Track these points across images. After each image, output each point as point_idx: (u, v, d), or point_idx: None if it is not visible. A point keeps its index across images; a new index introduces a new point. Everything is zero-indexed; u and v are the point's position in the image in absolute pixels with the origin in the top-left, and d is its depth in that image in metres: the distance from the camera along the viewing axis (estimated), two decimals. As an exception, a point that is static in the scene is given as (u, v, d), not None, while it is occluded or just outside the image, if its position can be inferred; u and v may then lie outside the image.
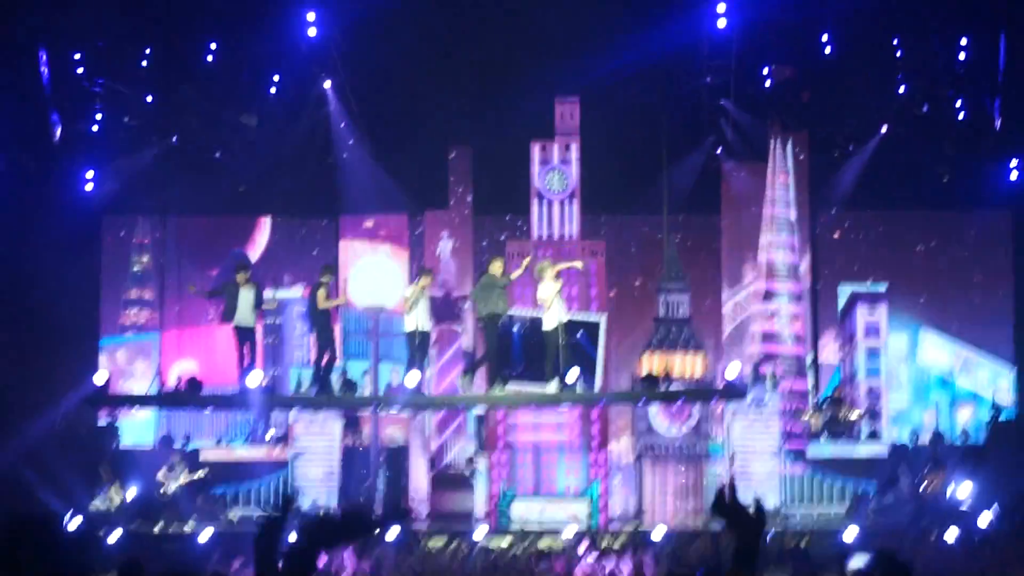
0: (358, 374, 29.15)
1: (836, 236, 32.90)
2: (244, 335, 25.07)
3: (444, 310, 30.73)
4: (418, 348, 24.24)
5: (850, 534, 24.68)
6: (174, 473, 26.37)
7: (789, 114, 31.39)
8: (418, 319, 23.91)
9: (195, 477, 26.42)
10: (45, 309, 27.39)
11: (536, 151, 30.22)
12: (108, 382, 26.45)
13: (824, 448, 28.20)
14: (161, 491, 26.19)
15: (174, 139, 30.52)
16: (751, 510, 5.61)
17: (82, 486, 25.54)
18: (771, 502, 26.56)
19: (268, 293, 28.69)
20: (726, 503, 5.62)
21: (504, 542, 25.51)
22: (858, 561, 23.16)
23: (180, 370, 29.58)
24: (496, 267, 23.56)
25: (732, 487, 5.56)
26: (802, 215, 31.64)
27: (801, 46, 29.85)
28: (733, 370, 26.10)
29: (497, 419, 28.82)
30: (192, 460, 27.22)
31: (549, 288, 24.63)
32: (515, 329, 26.36)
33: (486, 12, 28.58)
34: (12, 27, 26.60)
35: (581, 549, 24.86)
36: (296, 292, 31.69)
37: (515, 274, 23.74)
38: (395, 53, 29.26)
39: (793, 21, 28.84)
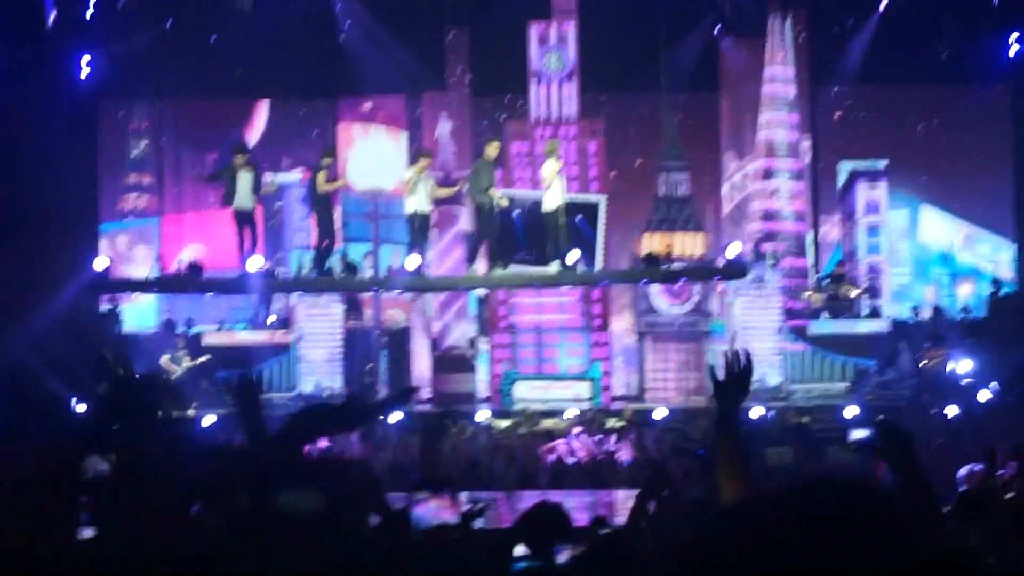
0: (359, 257, 29.16)
1: (836, 114, 32.78)
2: (244, 219, 25.13)
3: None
4: (418, 230, 24.27)
5: (851, 411, 24.83)
6: (176, 358, 26.44)
7: (788, -11, 31.19)
8: (418, 201, 23.93)
9: (197, 362, 26.50)
10: (44, 196, 27.29)
11: (533, 31, 30.00)
12: (109, 267, 26.55)
13: (825, 325, 28.24)
14: (164, 376, 26.27)
15: (169, 23, 30.31)
16: (739, 366, 5.59)
17: (87, 372, 25.59)
18: (772, 380, 26.65)
19: (267, 177, 28.67)
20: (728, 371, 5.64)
21: (507, 423, 25.67)
22: (859, 434, 23.33)
23: (181, 255, 29.58)
24: (490, 151, 23.50)
25: (736, 356, 5.56)
26: (802, 92, 31.47)
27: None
28: (734, 249, 26.20)
29: (499, 300, 28.87)
30: (194, 345, 27.29)
31: (549, 167, 24.64)
32: (515, 211, 26.33)
33: None
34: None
35: (581, 429, 25.08)
36: (295, 176, 31.60)
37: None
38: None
39: None
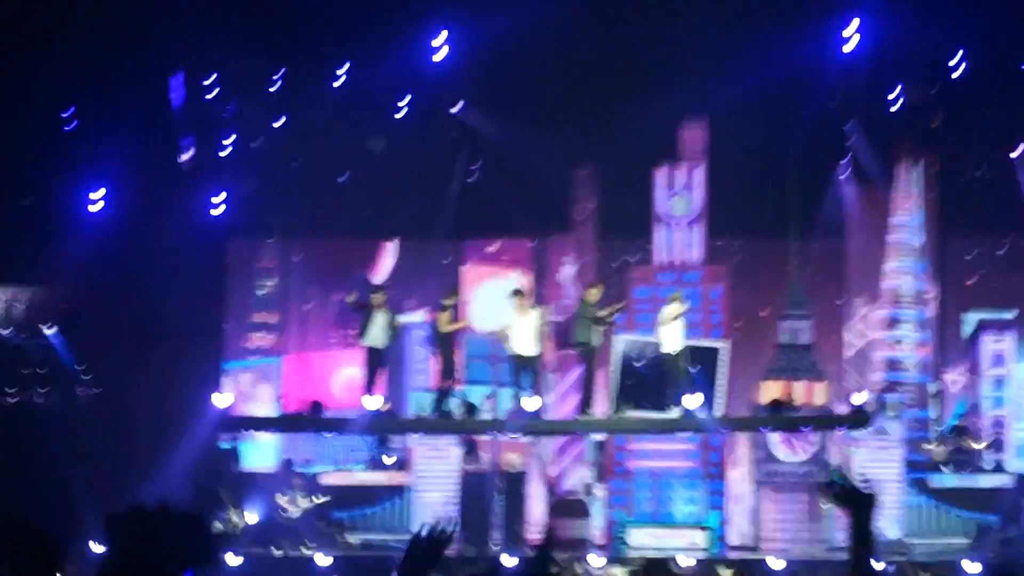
0: (478, 399, 29.25)
1: (963, 262, 32.37)
2: (375, 357, 25.34)
3: (566, 335, 30.70)
4: (522, 371, 23.88)
5: (972, 568, 24.35)
6: (293, 498, 26.65)
7: (917, 137, 31.01)
8: (516, 342, 23.70)
9: (314, 503, 26.68)
10: (172, 332, 27.83)
11: (660, 175, 30.13)
12: (232, 405, 26.92)
13: (947, 479, 27.80)
14: (282, 515, 26.49)
15: (300, 163, 30.87)
16: (862, 490, 6.02)
17: (204, 509, 25.85)
18: (893, 533, 26.26)
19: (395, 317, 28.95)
20: (839, 485, 6.02)
21: (620, 571, 25.48)
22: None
23: (302, 394, 29.81)
24: (592, 295, 23.44)
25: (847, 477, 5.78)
26: (929, 241, 31.21)
27: (930, 68, 29.51)
28: (860, 398, 25.88)
29: (616, 446, 28.78)
30: (312, 484, 27.50)
31: (671, 309, 24.59)
32: (637, 354, 26.34)
33: (611, 35, 28.57)
34: (144, 52, 27.11)
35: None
36: (418, 316, 31.83)
37: (605, 312, 23.51)
38: (520, 76, 29.36)
39: (922, 43, 28.50)
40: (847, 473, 26.10)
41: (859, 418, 26.19)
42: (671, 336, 24.34)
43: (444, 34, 28.37)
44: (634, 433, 27.68)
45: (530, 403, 24.11)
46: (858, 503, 6.39)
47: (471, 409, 27.37)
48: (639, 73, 28.87)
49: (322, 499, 26.81)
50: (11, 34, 26.48)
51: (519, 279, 31.79)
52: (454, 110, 30.92)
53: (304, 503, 26.67)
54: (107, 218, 28.53)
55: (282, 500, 26.65)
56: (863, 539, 6.33)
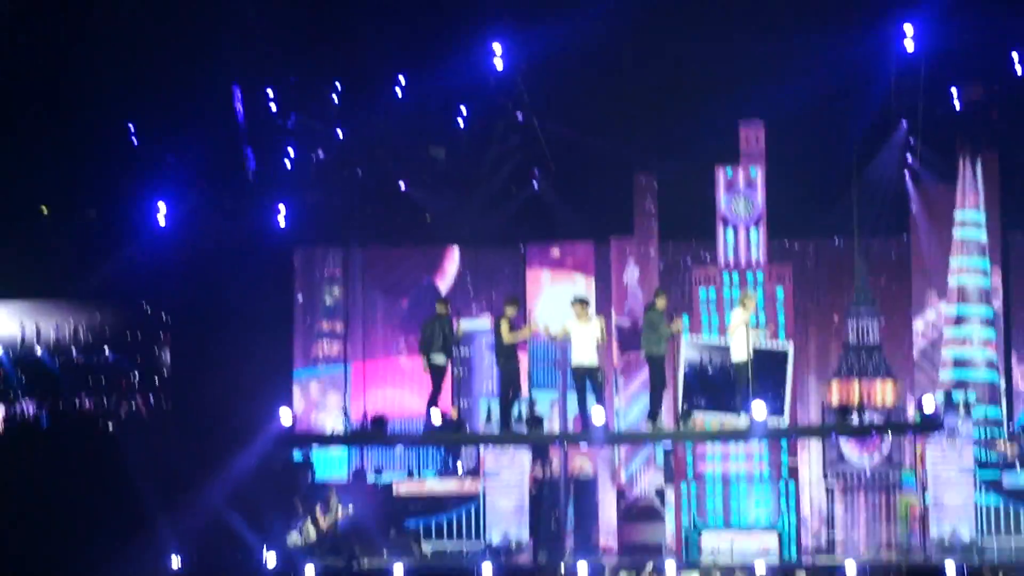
0: (546, 405, 29.33)
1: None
2: (436, 370, 25.35)
3: (632, 338, 30.76)
4: (585, 381, 23.81)
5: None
6: (330, 507, 26.76)
7: (979, 135, 30.94)
8: (576, 352, 23.61)
9: (339, 515, 26.72)
10: (242, 342, 28.06)
11: (721, 176, 30.17)
12: (295, 420, 27.01)
13: (1020, 477, 27.74)
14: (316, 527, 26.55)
15: (363, 172, 31.02)
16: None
17: (279, 520, 26.07)
18: (966, 534, 26.23)
19: (459, 324, 29.01)
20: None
21: (694, 574, 25.51)
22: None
23: (369, 404, 29.90)
24: (660, 303, 23.37)
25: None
26: (993, 237, 31.14)
27: (990, 66, 29.43)
28: (928, 403, 25.72)
29: (685, 450, 28.81)
30: (387, 494, 27.60)
31: (737, 317, 24.55)
32: (705, 359, 26.36)
33: (669, 37, 28.59)
34: (207, 64, 27.30)
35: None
36: (484, 322, 31.88)
37: (674, 326, 23.45)
38: (579, 81, 29.43)
39: (982, 41, 28.42)
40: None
41: (929, 423, 26.08)
42: (738, 343, 24.28)
43: (499, 46, 28.41)
44: (702, 441, 27.68)
45: (595, 414, 23.99)
46: None
47: (536, 420, 27.33)
48: (696, 76, 28.92)
49: (339, 512, 26.78)
50: (79, 46, 26.72)
51: (583, 283, 31.87)
52: (514, 118, 31.00)
53: (334, 514, 26.73)
54: (173, 230, 28.75)
55: (316, 511, 26.69)
56: None
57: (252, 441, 25.90)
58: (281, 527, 26.27)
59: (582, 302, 23.62)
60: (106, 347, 29.57)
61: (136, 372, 29.35)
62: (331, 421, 29.42)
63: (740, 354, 24.40)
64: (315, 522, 26.51)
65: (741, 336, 24.13)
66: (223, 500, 25.18)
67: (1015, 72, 29.07)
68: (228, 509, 25.14)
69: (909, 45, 28.00)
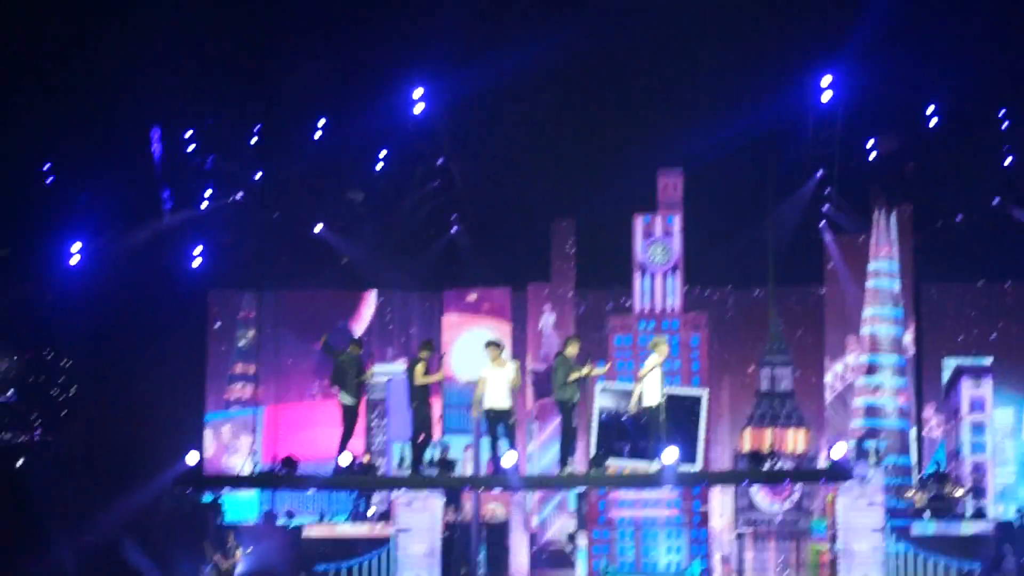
0: (459, 449, 29.23)
1: (940, 309, 32.60)
2: (348, 411, 25.18)
3: (547, 384, 30.74)
4: (497, 425, 23.74)
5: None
6: (228, 551, 26.52)
7: (893, 186, 31.22)
8: (489, 396, 23.55)
9: (238, 557, 26.49)
10: (153, 383, 27.83)
11: (639, 223, 30.25)
12: (201, 461, 26.77)
13: (928, 526, 27.82)
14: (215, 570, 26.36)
15: (278, 215, 30.93)
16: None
17: (186, 563, 25.80)
18: (875, 582, 26.24)
19: (370, 368, 28.88)
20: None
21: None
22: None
23: (280, 446, 29.74)
24: (571, 350, 23.32)
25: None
26: (906, 287, 31.40)
27: (905, 118, 29.75)
28: (839, 450, 25.80)
29: (598, 495, 28.78)
30: (295, 537, 27.40)
31: (650, 362, 24.54)
32: (617, 406, 26.36)
33: (588, 86, 28.74)
34: (126, 105, 27.16)
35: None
36: (400, 366, 31.81)
37: (584, 372, 23.36)
38: (498, 127, 29.54)
39: (897, 94, 28.73)
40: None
41: (839, 471, 26.13)
42: (651, 389, 24.28)
43: (420, 90, 28.48)
44: (614, 487, 27.62)
45: (507, 458, 23.87)
46: None
47: (448, 464, 27.20)
48: (615, 124, 29.07)
49: (244, 552, 26.58)
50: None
51: (498, 328, 31.86)
52: (433, 163, 31.03)
53: (232, 559, 26.51)
54: (86, 269, 28.51)
55: (216, 556, 26.47)
56: None
57: (155, 480, 25.66)
58: (190, 570, 25.97)
59: (496, 345, 23.50)
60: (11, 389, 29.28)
61: (38, 412, 29.03)
62: (241, 463, 29.14)
63: (652, 398, 24.39)
64: (215, 567, 26.23)
65: (654, 380, 24.13)
66: (122, 534, 24.97)
67: (929, 125, 29.39)
68: (127, 543, 24.93)
69: (826, 96, 28.28)
